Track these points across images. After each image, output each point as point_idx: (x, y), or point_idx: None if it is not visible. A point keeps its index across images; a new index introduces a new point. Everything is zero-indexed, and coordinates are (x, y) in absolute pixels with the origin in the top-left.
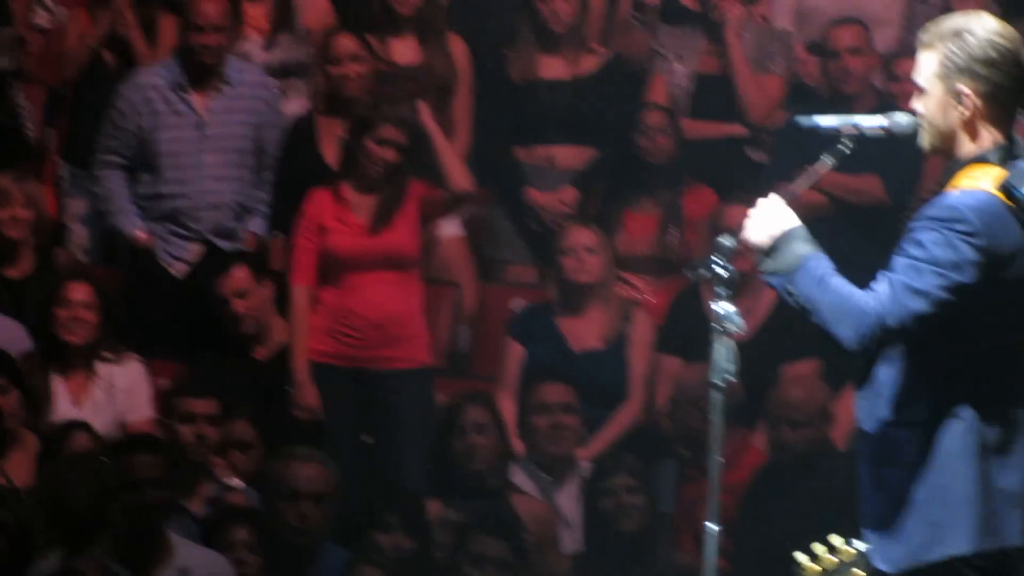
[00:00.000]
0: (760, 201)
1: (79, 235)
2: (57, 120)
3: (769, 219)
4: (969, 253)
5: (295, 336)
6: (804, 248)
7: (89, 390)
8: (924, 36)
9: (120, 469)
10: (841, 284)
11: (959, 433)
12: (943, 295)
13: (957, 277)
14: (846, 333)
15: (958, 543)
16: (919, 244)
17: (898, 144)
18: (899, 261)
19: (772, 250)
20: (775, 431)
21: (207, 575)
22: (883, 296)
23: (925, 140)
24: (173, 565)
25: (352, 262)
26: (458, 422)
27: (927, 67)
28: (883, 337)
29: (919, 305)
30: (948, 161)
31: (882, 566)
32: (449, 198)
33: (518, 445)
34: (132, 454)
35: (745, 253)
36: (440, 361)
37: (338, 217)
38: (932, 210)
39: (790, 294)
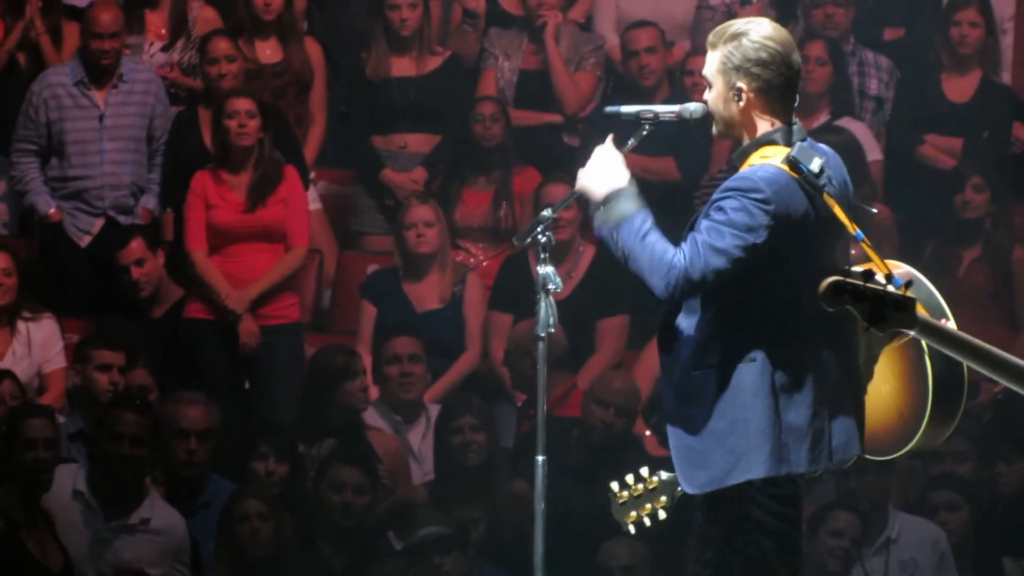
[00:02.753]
0: (597, 150)
1: (1, 210)
2: None
3: (604, 173)
4: (762, 218)
5: (212, 283)
6: (632, 205)
7: (11, 345)
8: (711, 37)
9: (106, 423)
10: (656, 240)
11: (753, 373)
12: (739, 253)
13: (752, 239)
14: (657, 284)
15: (754, 468)
16: (720, 209)
17: (690, 130)
18: (703, 223)
19: (604, 202)
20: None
21: (163, 525)
22: (689, 253)
23: (714, 128)
24: (138, 513)
25: (232, 234)
26: (351, 367)
27: (711, 65)
28: (687, 288)
29: (719, 261)
30: (739, 145)
31: (689, 490)
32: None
33: (373, 391)
34: (118, 411)
35: (565, 230)
36: (307, 318)
37: (220, 195)
38: (731, 182)
39: (615, 243)
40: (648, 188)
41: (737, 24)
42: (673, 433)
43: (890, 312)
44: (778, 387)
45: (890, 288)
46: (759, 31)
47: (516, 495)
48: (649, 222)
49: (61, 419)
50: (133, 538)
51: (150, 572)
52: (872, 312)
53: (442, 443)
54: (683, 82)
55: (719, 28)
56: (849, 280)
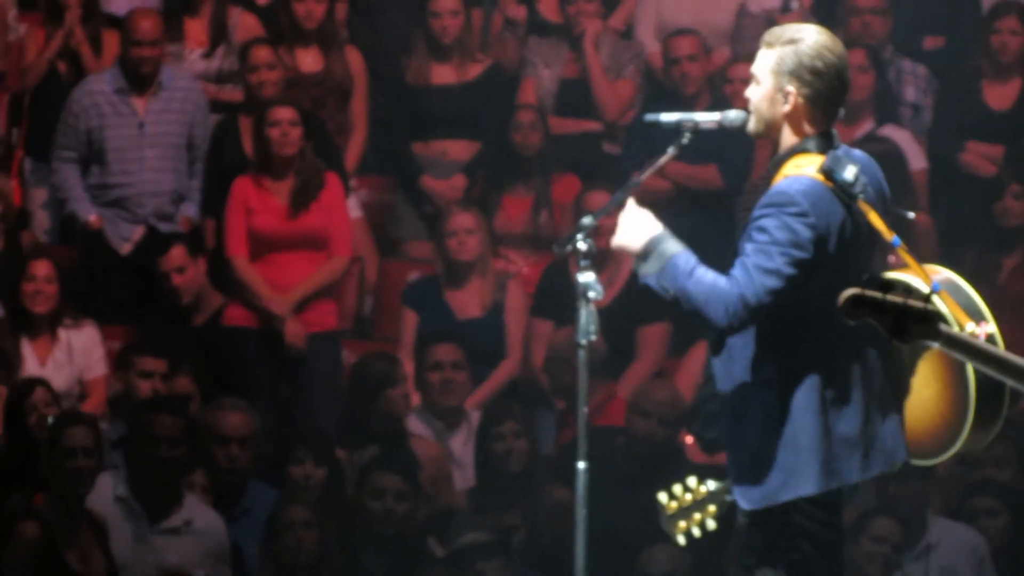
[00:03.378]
0: (623, 212)
1: (41, 219)
2: (19, 121)
3: (635, 227)
4: (805, 232)
5: (254, 287)
6: (671, 248)
7: (52, 352)
8: (767, 36)
9: (143, 426)
10: (706, 273)
11: (803, 389)
12: (790, 271)
13: (798, 254)
14: (716, 315)
15: (804, 486)
16: (762, 230)
17: (733, 137)
18: (748, 247)
19: (645, 255)
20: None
21: (205, 526)
22: (741, 279)
23: (752, 125)
24: (181, 515)
25: (273, 241)
26: (392, 374)
27: (764, 63)
28: (746, 315)
29: (772, 282)
30: (773, 154)
31: (745, 506)
32: None
33: (415, 397)
34: (154, 414)
35: (606, 237)
36: (348, 325)
37: (261, 201)
38: (768, 198)
39: (665, 290)
40: (691, 196)
41: (797, 28)
42: (729, 448)
43: (912, 324)
44: (828, 400)
45: (911, 301)
46: (818, 40)
47: (557, 502)
48: (693, 259)
49: (104, 427)
50: (177, 540)
51: (195, 573)
52: (894, 325)
53: (484, 449)
54: (723, 90)
55: (777, 28)
56: (868, 292)
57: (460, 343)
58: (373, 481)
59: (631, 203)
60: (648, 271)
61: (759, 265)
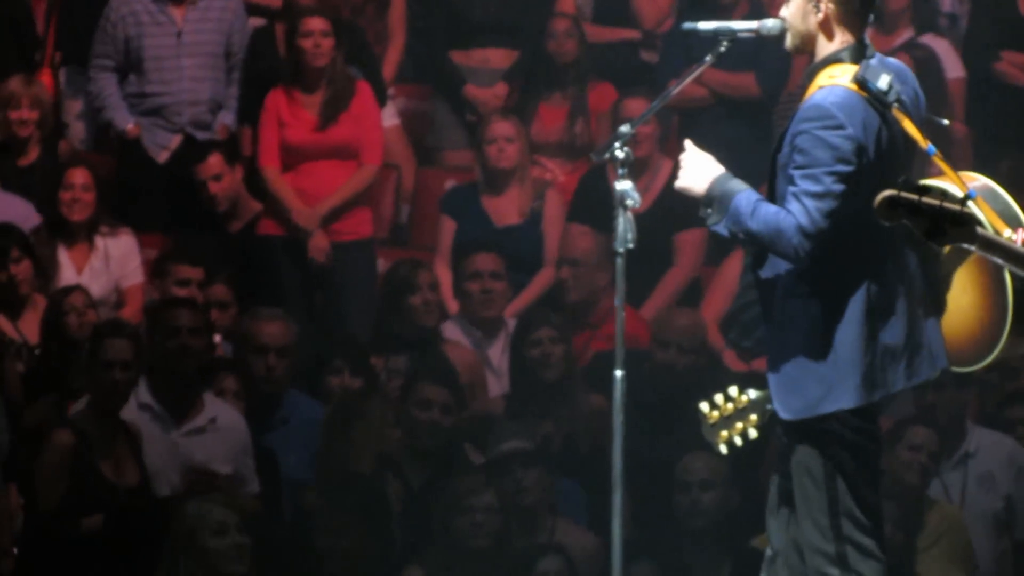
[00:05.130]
0: (684, 155)
1: (77, 130)
2: (54, 26)
3: (696, 170)
4: (845, 144)
5: (284, 199)
6: (731, 190)
7: (89, 260)
8: None
9: (164, 321)
10: (767, 211)
11: (845, 299)
12: (839, 187)
13: (843, 168)
14: (785, 251)
15: (844, 399)
16: (803, 152)
17: (770, 46)
18: (795, 174)
19: (708, 201)
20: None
21: (229, 423)
22: (795, 210)
23: (789, 42)
24: (204, 414)
25: (304, 152)
26: (412, 281)
27: None
28: (811, 245)
29: (825, 204)
30: (808, 63)
31: (784, 415)
32: None
33: (452, 305)
34: (174, 308)
35: (643, 145)
36: (383, 233)
37: (292, 113)
38: (803, 113)
39: (734, 234)
40: (729, 104)
41: None
42: (770, 358)
43: (948, 226)
44: (872, 309)
45: (947, 203)
46: None
47: (594, 409)
48: (754, 196)
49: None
50: (203, 438)
51: (221, 470)
52: (930, 227)
53: (519, 356)
54: None
55: None
56: (904, 195)
57: (499, 252)
58: (419, 392)
59: (690, 146)
60: (714, 219)
61: (807, 191)
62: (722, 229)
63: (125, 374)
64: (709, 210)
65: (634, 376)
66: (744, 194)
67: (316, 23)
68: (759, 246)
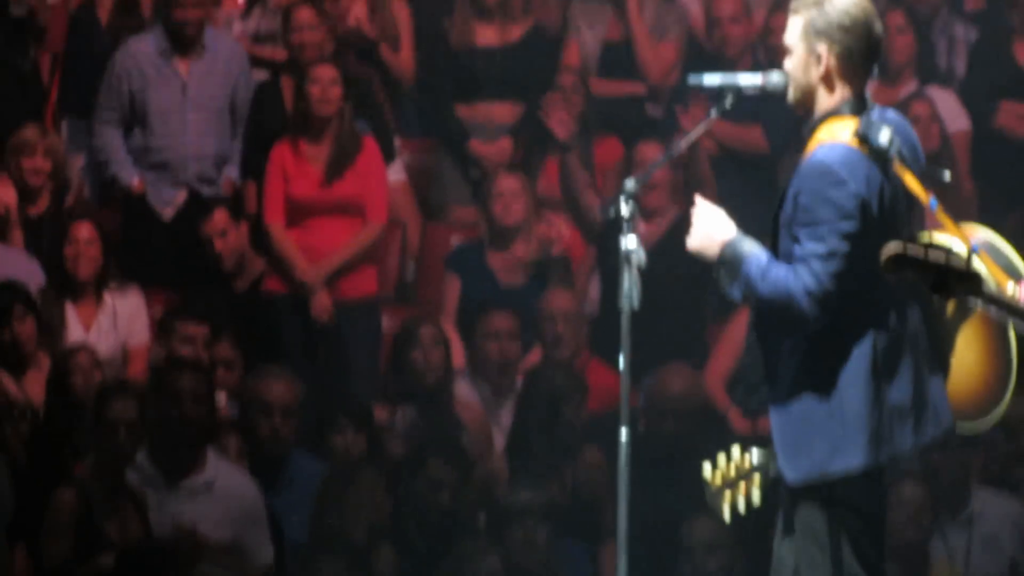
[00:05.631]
0: (696, 213)
1: (78, 183)
2: (57, 80)
3: (709, 231)
4: (848, 201)
5: (288, 257)
6: (742, 253)
7: (97, 318)
8: (793, 3)
9: (167, 385)
10: (777, 273)
11: (850, 358)
12: (844, 246)
13: (847, 226)
14: (796, 315)
15: (852, 459)
16: (806, 210)
17: (780, 99)
18: (799, 234)
19: (720, 263)
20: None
21: (229, 485)
22: (803, 272)
23: (791, 95)
24: (201, 477)
25: (309, 208)
26: (414, 336)
27: (793, 30)
28: (818, 306)
29: (831, 265)
30: (809, 118)
31: (789, 476)
32: None
33: (459, 359)
34: (177, 372)
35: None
36: (389, 291)
37: (298, 167)
38: (805, 169)
39: (746, 296)
40: (733, 155)
41: None
42: (775, 418)
43: (953, 282)
44: (878, 368)
45: (952, 258)
46: None
47: (595, 467)
48: (764, 258)
49: None
50: (196, 501)
51: (214, 535)
52: (935, 281)
53: (524, 414)
54: (768, 43)
55: None
56: (910, 250)
57: (517, 313)
58: (429, 471)
59: (702, 203)
60: (725, 283)
61: (813, 252)
62: (736, 293)
63: (130, 435)
64: (721, 272)
65: (634, 433)
66: (755, 257)
67: (325, 71)
68: (772, 309)
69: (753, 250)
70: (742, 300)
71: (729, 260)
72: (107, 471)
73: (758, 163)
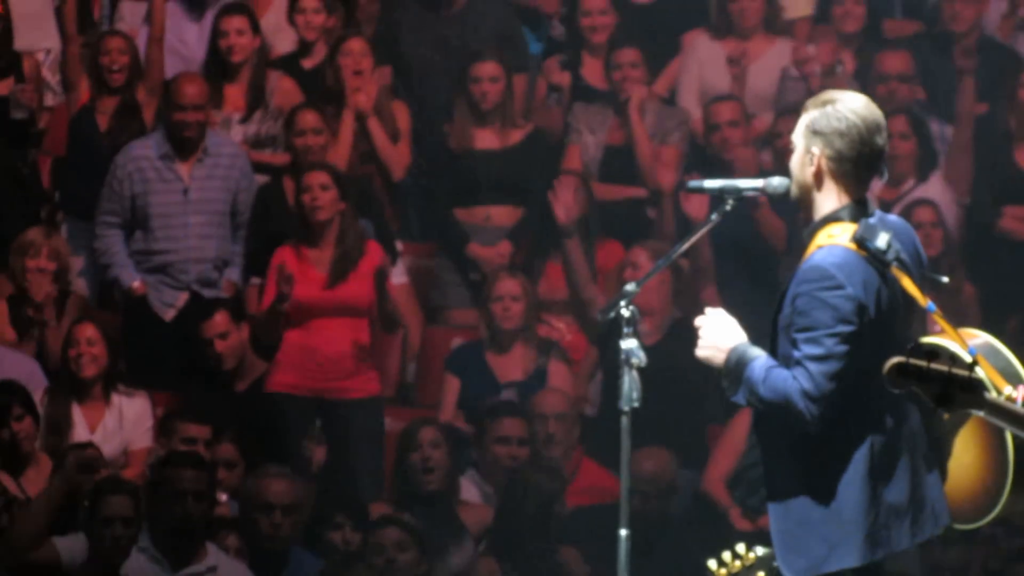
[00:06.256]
0: (704, 321)
1: (79, 285)
2: (59, 183)
3: (716, 339)
4: (846, 305)
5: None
6: (745, 359)
7: (104, 419)
8: (807, 101)
9: (169, 481)
10: (776, 378)
11: (848, 459)
12: (842, 349)
13: (844, 328)
14: (796, 417)
15: (848, 558)
16: (803, 313)
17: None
18: (797, 338)
19: (727, 372)
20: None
21: (231, 573)
22: (800, 376)
23: (793, 191)
24: (205, 563)
25: (313, 310)
26: (415, 441)
27: (798, 127)
28: (820, 408)
29: (828, 367)
30: (808, 222)
31: (787, 574)
32: None
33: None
34: (179, 469)
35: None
36: (390, 392)
37: (301, 270)
38: (803, 274)
39: (751, 402)
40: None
41: (834, 93)
42: (773, 515)
43: (957, 393)
44: (875, 469)
45: (955, 369)
46: (848, 103)
47: (569, 565)
48: (767, 364)
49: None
50: None
51: None
52: (939, 393)
53: (507, 510)
54: (773, 145)
55: (819, 94)
56: (913, 361)
57: (527, 419)
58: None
59: (712, 311)
60: (731, 390)
61: (810, 355)
62: (741, 399)
63: (126, 530)
64: (727, 380)
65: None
66: (758, 362)
67: (315, 177)
68: (773, 412)
69: (756, 356)
70: (746, 404)
71: (733, 367)
72: (103, 565)
73: (758, 265)
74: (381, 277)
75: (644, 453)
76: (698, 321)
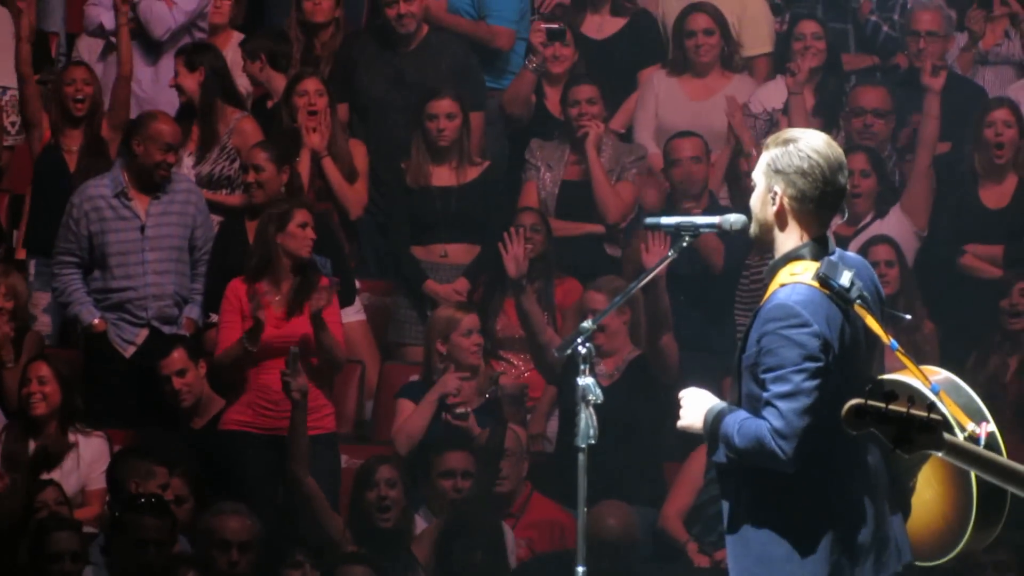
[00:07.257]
0: (684, 393)
1: (43, 322)
2: (19, 223)
3: (694, 408)
4: (811, 341)
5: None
6: (718, 417)
7: (62, 459)
8: (767, 139)
9: (130, 530)
10: (747, 425)
11: (810, 496)
12: (810, 383)
13: (811, 364)
14: (771, 458)
15: None
16: (770, 352)
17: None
18: (765, 378)
19: (707, 435)
20: None
21: None
22: (770, 415)
23: (753, 228)
24: None
25: (267, 347)
26: (372, 479)
27: (759, 165)
28: (792, 447)
29: (797, 404)
30: (770, 260)
31: None
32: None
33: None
34: (142, 516)
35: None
36: (347, 428)
37: (255, 308)
38: (767, 314)
39: (731, 457)
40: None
41: (794, 131)
42: (732, 551)
43: (915, 434)
44: (837, 509)
45: (914, 410)
46: (809, 142)
47: None
48: (741, 416)
49: (90, 530)
50: None
51: None
52: (897, 434)
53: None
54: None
55: (778, 132)
56: (871, 403)
57: (472, 452)
58: None
59: (690, 389)
60: (712, 450)
61: (778, 393)
62: (722, 458)
63: (75, 566)
64: (708, 443)
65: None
66: (730, 417)
67: (303, 216)
68: (753, 464)
69: (730, 412)
70: (726, 460)
71: (709, 428)
72: None
73: (710, 282)
74: (318, 315)
75: (606, 508)
76: (680, 393)
